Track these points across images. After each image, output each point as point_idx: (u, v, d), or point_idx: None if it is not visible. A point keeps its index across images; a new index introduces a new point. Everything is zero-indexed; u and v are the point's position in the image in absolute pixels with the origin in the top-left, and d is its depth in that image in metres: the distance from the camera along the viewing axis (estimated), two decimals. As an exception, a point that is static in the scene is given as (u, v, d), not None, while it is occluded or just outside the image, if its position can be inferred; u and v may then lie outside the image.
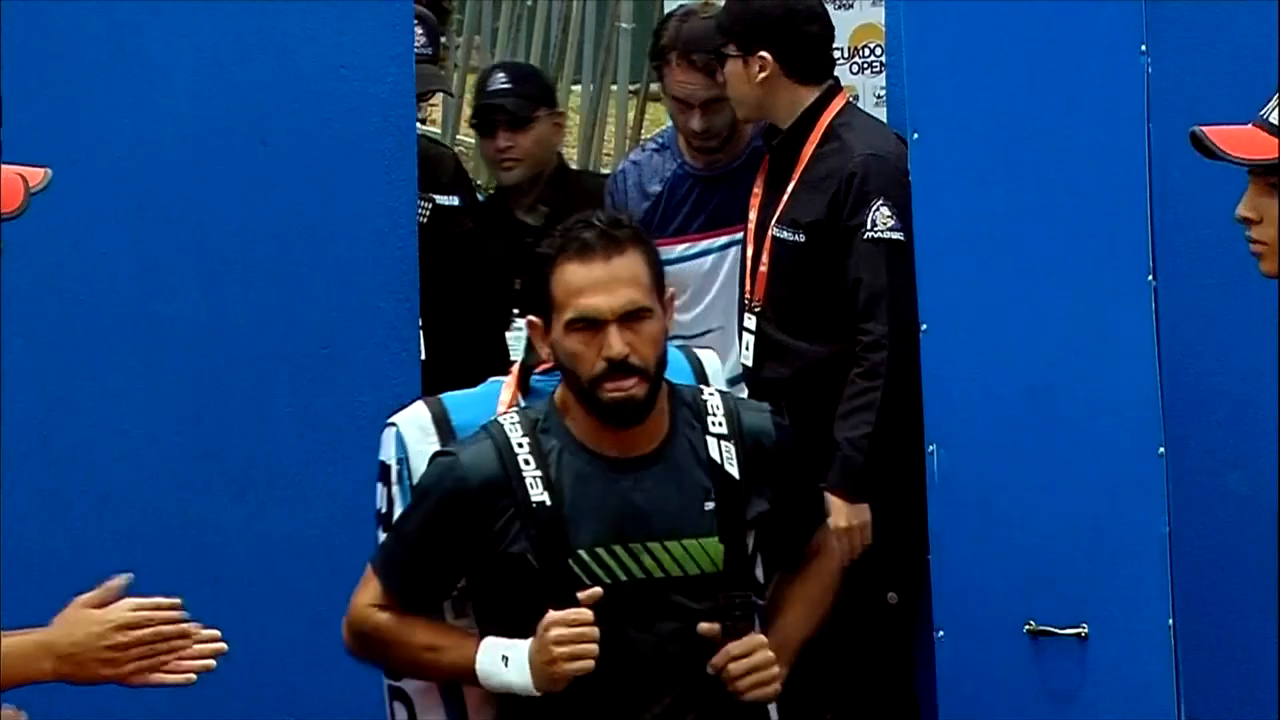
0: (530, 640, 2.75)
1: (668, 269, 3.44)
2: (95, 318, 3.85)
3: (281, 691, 3.91)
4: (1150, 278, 3.46)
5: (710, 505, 2.82)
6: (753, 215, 4.13)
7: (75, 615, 2.62)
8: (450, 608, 2.97)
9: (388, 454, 3.00)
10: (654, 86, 7.56)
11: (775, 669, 2.81)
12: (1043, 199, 3.58)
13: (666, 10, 5.52)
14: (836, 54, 4.28)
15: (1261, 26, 3.53)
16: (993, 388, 3.63)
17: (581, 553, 2.77)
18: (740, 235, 4.19)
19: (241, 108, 3.93)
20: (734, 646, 2.78)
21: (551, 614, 2.71)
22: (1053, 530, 3.58)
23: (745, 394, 3.86)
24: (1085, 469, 3.55)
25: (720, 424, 2.86)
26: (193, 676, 2.72)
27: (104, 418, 3.87)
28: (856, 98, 4.71)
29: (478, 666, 2.79)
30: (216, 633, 2.66)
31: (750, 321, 4.02)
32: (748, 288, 4.08)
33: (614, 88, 10.44)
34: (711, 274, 4.44)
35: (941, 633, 3.64)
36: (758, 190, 4.14)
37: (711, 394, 2.92)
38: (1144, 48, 3.46)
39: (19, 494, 3.70)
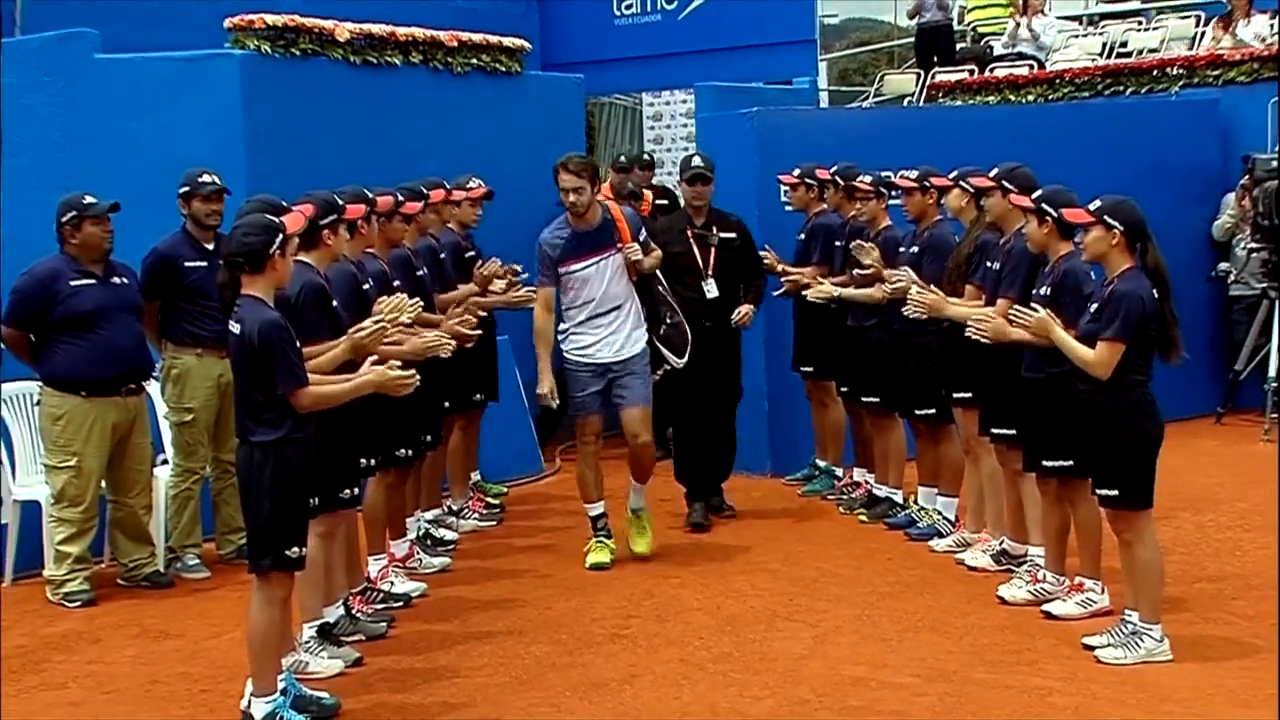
0: None
1: (576, 273, 8.07)
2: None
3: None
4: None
5: None
6: (695, 244, 9.31)
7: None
8: None
9: None
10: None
11: None
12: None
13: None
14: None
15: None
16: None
17: None
18: (600, 257, 8.24)
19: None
20: None
21: None
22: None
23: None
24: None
25: None
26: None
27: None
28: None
29: None
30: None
31: (709, 281, 9.34)
32: (703, 268, 9.27)
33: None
34: (597, 275, 8.22)
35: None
36: (693, 232, 9.36)
37: None
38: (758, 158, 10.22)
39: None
